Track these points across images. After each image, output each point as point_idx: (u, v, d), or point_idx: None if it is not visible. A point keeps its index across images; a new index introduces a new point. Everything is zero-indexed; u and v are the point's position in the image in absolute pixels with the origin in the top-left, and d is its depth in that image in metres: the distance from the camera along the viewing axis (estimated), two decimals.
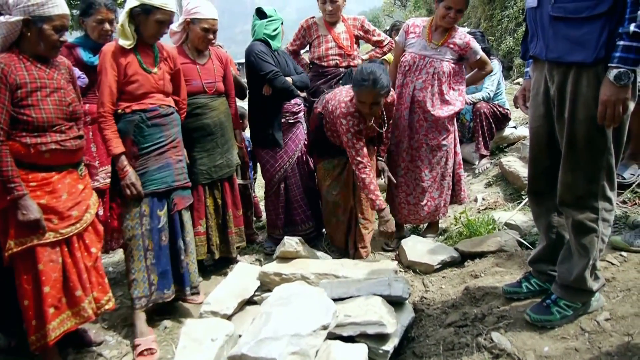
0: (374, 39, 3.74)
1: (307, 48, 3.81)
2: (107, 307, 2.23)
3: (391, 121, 3.12)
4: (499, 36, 9.91)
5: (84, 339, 2.40)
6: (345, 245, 3.23)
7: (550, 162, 1.89)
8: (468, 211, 3.56)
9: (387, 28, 5.43)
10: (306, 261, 2.74)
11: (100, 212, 2.78)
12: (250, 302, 2.61)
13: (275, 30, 3.16)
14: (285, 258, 2.75)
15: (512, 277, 2.35)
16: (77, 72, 2.60)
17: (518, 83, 7.84)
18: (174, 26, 2.87)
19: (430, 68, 3.01)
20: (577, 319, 1.84)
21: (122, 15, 2.33)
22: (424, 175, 3.17)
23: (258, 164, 3.62)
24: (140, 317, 2.43)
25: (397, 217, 3.40)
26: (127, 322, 2.59)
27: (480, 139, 4.59)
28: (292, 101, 3.28)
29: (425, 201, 3.22)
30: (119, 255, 3.53)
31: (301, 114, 3.40)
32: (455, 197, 3.36)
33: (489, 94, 4.58)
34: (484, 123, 4.53)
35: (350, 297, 2.27)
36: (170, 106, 2.51)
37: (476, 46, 3.05)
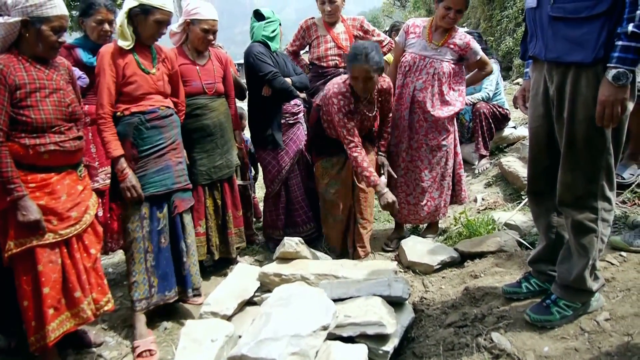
0: (374, 39, 3.74)
1: (307, 49, 3.82)
2: (106, 308, 2.23)
3: (390, 115, 3.11)
4: (498, 36, 9.92)
5: (83, 340, 2.40)
6: (341, 245, 3.23)
7: (549, 162, 1.89)
8: (468, 211, 3.56)
9: (387, 29, 5.42)
10: (306, 262, 2.74)
11: (100, 213, 2.78)
12: (250, 302, 2.61)
13: (273, 31, 3.17)
14: (285, 259, 2.75)
15: (512, 277, 2.35)
16: (78, 72, 2.61)
17: (518, 83, 7.85)
18: (174, 27, 2.87)
19: (431, 68, 3.01)
20: (577, 319, 1.84)
21: (120, 15, 2.33)
22: (423, 175, 3.17)
23: (259, 165, 3.62)
24: (140, 320, 2.43)
25: (397, 217, 3.40)
26: (127, 323, 2.59)
27: (480, 139, 4.60)
28: (292, 102, 3.29)
29: (425, 201, 3.22)
30: (118, 256, 3.53)
31: (301, 114, 3.40)
32: (456, 198, 3.36)
33: (488, 94, 4.59)
34: (484, 123, 4.53)
35: (350, 297, 2.27)
36: (169, 107, 2.51)
37: (476, 46, 3.05)
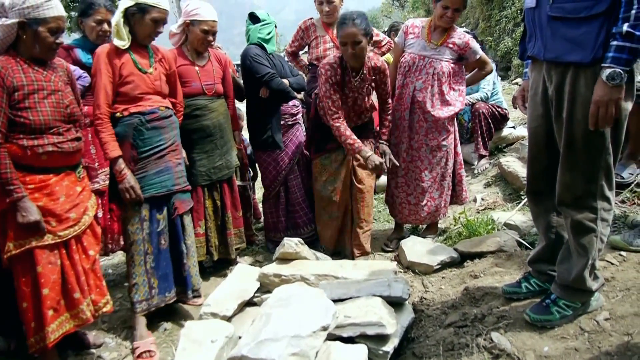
0: (373, 39, 3.74)
1: (306, 49, 3.82)
2: (105, 309, 2.22)
3: (390, 101, 3.09)
4: (497, 36, 9.92)
5: (83, 342, 2.40)
6: (334, 245, 3.22)
7: (549, 162, 1.89)
8: (467, 211, 3.56)
9: (386, 29, 5.43)
10: (306, 262, 2.74)
11: (100, 214, 2.78)
12: (250, 303, 2.60)
13: (269, 33, 3.18)
14: (285, 259, 2.75)
15: (512, 277, 2.35)
16: (79, 71, 2.60)
17: (516, 83, 7.85)
18: (174, 28, 2.87)
19: (430, 68, 3.01)
20: (577, 319, 1.84)
21: (116, 15, 2.32)
22: (424, 175, 3.17)
23: (257, 167, 3.61)
24: (141, 322, 2.43)
25: (398, 217, 3.40)
26: (127, 324, 2.59)
27: (479, 139, 4.60)
28: (290, 103, 3.29)
29: (425, 201, 3.22)
30: (118, 257, 3.53)
31: (299, 115, 3.40)
32: (457, 198, 3.37)
33: (486, 94, 4.59)
34: (483, 123, 4.53)
35: (350, 298, 2.27)
36: (168, 108, 2.50)
37: (476, 46, 3.06)
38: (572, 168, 1.73)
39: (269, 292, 2.50)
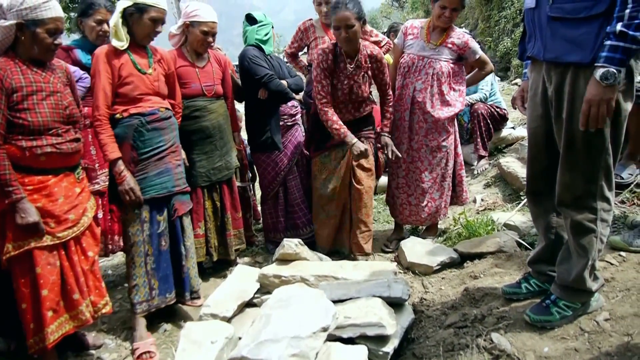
0: (372, 39, 3.74)
1: (305, 50, 3.82)
2: (104, 311, 2.22)
3: (390, 92, 3.07)
4: (496, 37, 9.92)
5: (83, 342, 2.40)
6: (331, 244, 3.21)
7: (548, 162, 1.89)
8: (467, 212, 3.57)
9: (385, 30, 5.43)
10: (305, 263, 2.73)
11: (100, 215, 2.78)
12: (249, 304, 2.60)
13: (266, 34, 3.18)
14: (285, 260, 2.75)
15: (512, 277, 2.35)
16: (79, 73, 2.60)
17: (516, 84, 7.86)
18: (173, 29, 2.87)
19: (430, 69, 3.02)
20: (577, 319, 1.84)
21: (114, 15, 2.32)
22: (424, 176, 3.17)
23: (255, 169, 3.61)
24: (141, 323, 2.43)
25: (399, 218, 3.40)
26: (127, 325, 2.59)
27: (479, 139, 4.60)
28: (289, 104, 3.29)
29: (425, 202, 3.21)
30: (118, 258, 3.52)
31: (298, 116, 3.41)
32: (457, 199, 3.36)
33: (485, 94, 4.60)
34: (482, 124, 4.54)
35: (350, 298, 2.27)
36: (168, 109, 2.50)
37: (475, 46, 3.06)
38: (572, 168, 1.73)
39: (269, 293, 2.49)
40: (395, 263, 2.93)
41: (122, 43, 2.32)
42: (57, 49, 2.05)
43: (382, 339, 2.04)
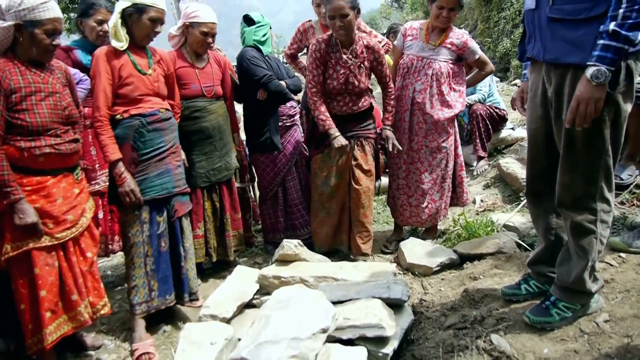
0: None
1: (305, 51, 3.82)
2: (102, 312, 2.22)
3: (391, 86, 3.05)
4: (495, 38, 9.93)
5: (82, 343, 2.39)
6: (330, 243, 3.20)
7: (548, 163, 1.89)
8: (466, 213, 3.57)
9: (384, 31, 5.43)
10: (305, 264, 2.73)
11: (101, 215, 2.77)
12: (249, 305, 2.60)
13: (264, 35, 3.18)
14: (284, 261, 2.75)
15: (511, 278, 2.35)
16: (79, 75, 2.59)
17: (515, 84, 7.86)
18: (173, 30, 2.87)
19: (429, 69, 3.02)
20: (577, 321, 1.84)
21: (113, 16, 2.32)
22: (424, 177, 3.17)
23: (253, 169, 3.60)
24: (140, 324, 2.42)
25: (399, 219, 3.40)
26: (126, 326, 2.58)
27: (478, 140, 4.60)
28: (288, 104, 3.30)
29: (426, 203, 3.21)
30: (117, 259, 3.52)
31: (297, 116, 3.40)
32: (457, 200, 3.36)
33: (483, 95, 4.60)
34: (481, 125, 4.54)
35: (350, 299, 2.27)
36: (168, 110, 2.50)
37: (474, 46, 3.06)
38: (572, 169, 1.73)
39: (268, 294, 2.49)
40: (395, 264, 2.93)
41: (121, 44, 2.31)
42: (56, 50, 2.05)
43: (382, 340, 2.04)
